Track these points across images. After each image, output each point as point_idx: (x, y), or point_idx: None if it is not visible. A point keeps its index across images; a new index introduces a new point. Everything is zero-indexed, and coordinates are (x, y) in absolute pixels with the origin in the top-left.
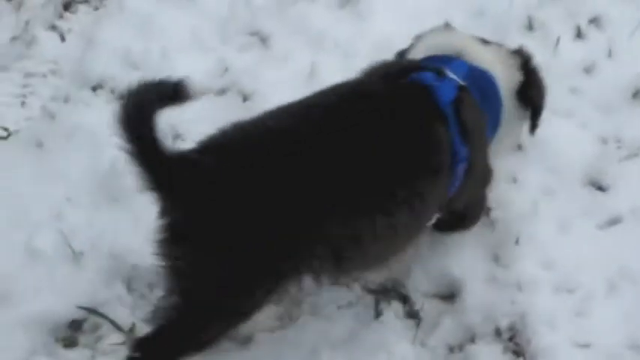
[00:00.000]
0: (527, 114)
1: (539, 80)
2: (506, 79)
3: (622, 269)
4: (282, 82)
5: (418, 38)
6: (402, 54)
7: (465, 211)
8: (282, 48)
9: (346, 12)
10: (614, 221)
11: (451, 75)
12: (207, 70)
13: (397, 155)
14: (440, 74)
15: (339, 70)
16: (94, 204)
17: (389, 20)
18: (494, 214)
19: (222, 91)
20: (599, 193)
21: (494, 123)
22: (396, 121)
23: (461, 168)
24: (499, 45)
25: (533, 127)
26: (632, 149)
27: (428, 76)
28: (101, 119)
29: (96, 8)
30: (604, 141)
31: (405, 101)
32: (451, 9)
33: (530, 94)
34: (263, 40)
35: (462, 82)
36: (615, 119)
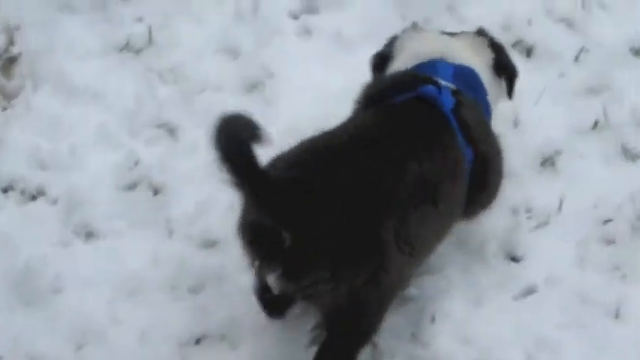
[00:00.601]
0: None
1: (504, 51)
2: (482, 60)
3: (539, 340)
4: (192, 174)
5: (395, 44)
6: (380, 56)
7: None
8: (190, 139)
9: (253, 98)
10: (529, 291)
11: (444, 83)
12: (116, 165)
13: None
14: (436, 84)
15: None
16: (9, 307)
17: (295, 104)
18: (408, 292)
19: (132, 186)
20: (513, 264)
21: (487, 111)
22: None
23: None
24: (465, 33)
25: (510, 91)
26: (542, 218)
27: (431, 90)
28: (13, 220)
29: (4, 109)
30: (515, 212)
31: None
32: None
33: (504, 64)
34: (171, 131)
35: (453, 87)
36: (525, 189)
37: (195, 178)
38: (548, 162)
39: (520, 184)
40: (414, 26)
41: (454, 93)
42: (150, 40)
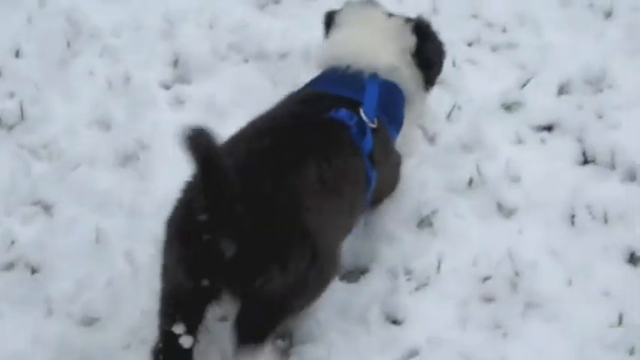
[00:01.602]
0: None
1: (431, 39)
2: (402, 46)
3: None
4: (70, 251)
5: (340, 15)
6: (328, 16)
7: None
8: (66, 215)
9: (127, 171)
10: (411, 354)
11: (365, 117)
12: None
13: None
14: (352, 108)
15: (125, 232)
16: None
17: (170, 176)
18: None
19: (9, 266)
20: (394, 327)
21: (402, 123)
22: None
23: (370, 190)
24: (395, 17)
25: (428, 82)
26: (421, 279)
27: (345, 115)
28: None
29: None
30: (394, 274)
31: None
32: None
33: (423, 52)
34: (46, 208)
35: (374, 125)
36: (403, 250)
37: (73, 255)
38: (425, 222)
39: (398, 246)
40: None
41: (373, 130)
42: (22, 116)
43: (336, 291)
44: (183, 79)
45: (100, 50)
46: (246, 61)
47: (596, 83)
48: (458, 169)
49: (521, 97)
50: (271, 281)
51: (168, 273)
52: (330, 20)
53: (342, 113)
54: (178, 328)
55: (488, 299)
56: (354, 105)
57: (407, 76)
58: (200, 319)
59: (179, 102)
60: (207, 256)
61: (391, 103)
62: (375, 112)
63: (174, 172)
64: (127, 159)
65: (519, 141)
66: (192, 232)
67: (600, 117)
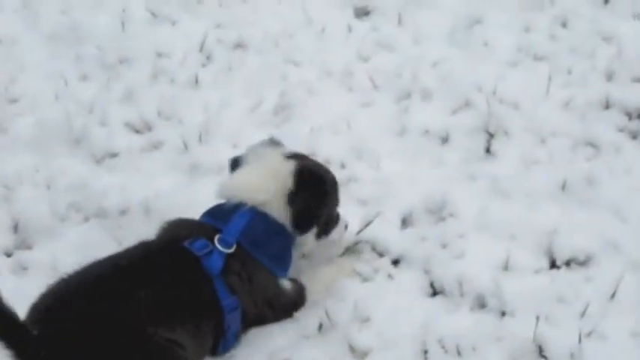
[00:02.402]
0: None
1: (306, 188)
2: (279, 187)
3: None
4: None
5: (247, 156)
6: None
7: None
8: None
9: None
10: None
11: (219, 246)
12: None
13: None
14: (211, 240)
15: None
16: None
17: None
18: None
19: None
20: None
21: (286, 255)
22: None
23: (234, 314)
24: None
25: (297, 226)
26: None
27: (197, 246)
28: None
29: None
30: None
31: (181, 266)
32: None
33: (297, 197)
34: None
35: (229, 251)
36: None
37: None
38: None
39: None
40: (270, 141)
41: (229, 256)
42: None
43: None
44: (24, 244)
45: None
46: (87, 219)
47: (438, 212)
48: (307, 315)
49: (364, 236)
50: None
51: None
52: (235, 161)
53: (197, 244)
54: None
55: None
56: (215, 232)
57: (281, 214)
58: None
59: (22, 268)
60: None
61: (263, 235)
62: (236, 239)
63: None
64: None
65: (366, 279)
66: None
67: (444, 246)
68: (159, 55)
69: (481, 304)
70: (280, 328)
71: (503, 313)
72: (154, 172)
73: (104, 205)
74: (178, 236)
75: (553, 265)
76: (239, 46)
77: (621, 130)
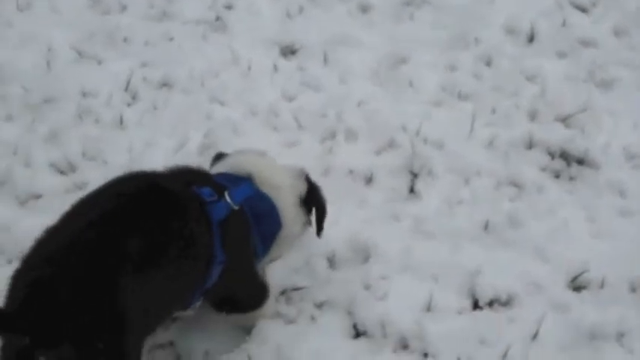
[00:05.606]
0: (308, 219)
1: (319, 190)
2: (294, 189)
3: None
4: None
5: (232, 154)
6: (217, 156)
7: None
8: None
9: None
10: None
11: (228, 198)
12: None
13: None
14: (220, 192)
15: None
16: None
17: None
18: None
19: None
20: None
21: (268, 241)
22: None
23: (217, 269)
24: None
25: (320, 229)
26: None
27: (205, 192)
28: None
29: None
30: None
31: (187, 206)
32: None
33: (316, 199)
34: None
35: (235, 207)
36: None
37: None
38: None
39: None
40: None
41: (233, 212)
42: None
43: None
44: None
45: None
46: (10, 262)
47: (362, 252)
48: None
49: (288, 279)
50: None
51: None
52: (218, 157)
53: (205, 190)
54: None
55: None
56: (223, 189)
57: (285, 206)
58: None
59: None
60: None
61: (261, 211)
62: (240, 201)
63: None
64: None
65: (290, 321)
66: None
67: (367, 288)
68: (84, 94)
69: (404, 346)
70: None
71: (425, 355)
72: None
73: (27, 248)
74: (188, 181)
75: (476, 305)
76: (165, 85)
77: (544, 170)
